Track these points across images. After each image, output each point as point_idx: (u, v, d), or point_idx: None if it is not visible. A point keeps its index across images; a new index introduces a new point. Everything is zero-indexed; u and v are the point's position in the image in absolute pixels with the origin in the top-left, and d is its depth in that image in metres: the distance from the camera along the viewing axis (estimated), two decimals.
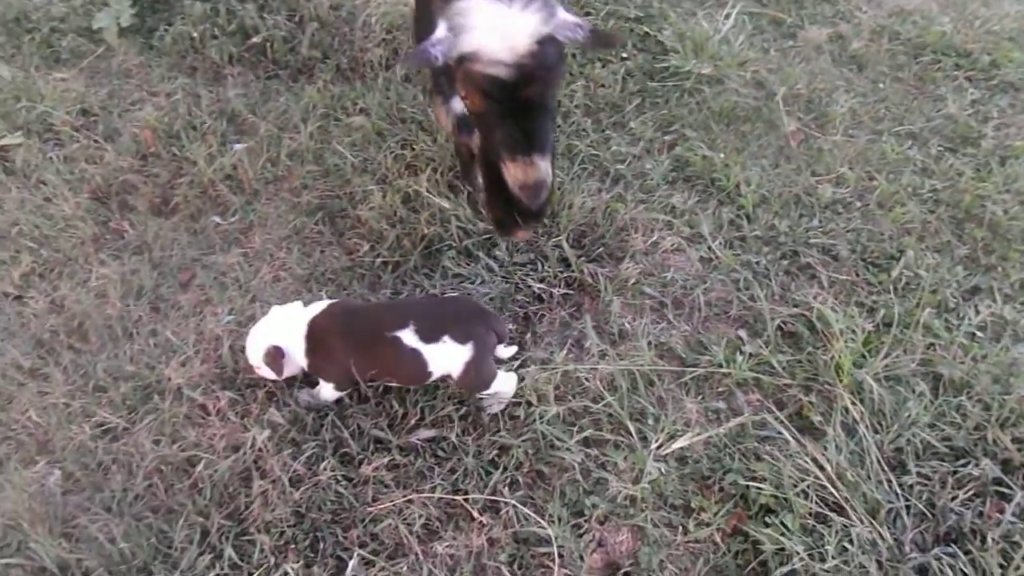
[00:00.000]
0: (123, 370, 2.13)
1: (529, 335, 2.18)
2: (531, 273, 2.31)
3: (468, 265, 2.31)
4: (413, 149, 2.68)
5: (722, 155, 2.65)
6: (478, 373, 1.90)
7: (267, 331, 1.97)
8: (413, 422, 1.98)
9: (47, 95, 2.93)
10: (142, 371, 2.12)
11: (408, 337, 1.86)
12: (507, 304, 2.24)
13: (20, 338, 2.24)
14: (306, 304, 2.03)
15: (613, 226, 2.42)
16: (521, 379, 2.01)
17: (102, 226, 2.54)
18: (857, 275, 2.32)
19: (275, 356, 1.92)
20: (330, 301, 2.05)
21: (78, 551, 1.76)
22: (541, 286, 2.27)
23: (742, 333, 2.19)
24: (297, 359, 1.97)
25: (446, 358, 1.88)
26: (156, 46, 3.20)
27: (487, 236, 2.38)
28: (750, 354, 2.10)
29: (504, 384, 1.96)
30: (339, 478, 1.88)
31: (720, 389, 2.06)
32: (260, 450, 1.92)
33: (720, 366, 2.08)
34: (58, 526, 1.82)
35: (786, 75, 2.98)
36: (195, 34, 3.14)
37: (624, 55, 3.11)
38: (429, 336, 1.86)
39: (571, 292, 2.27)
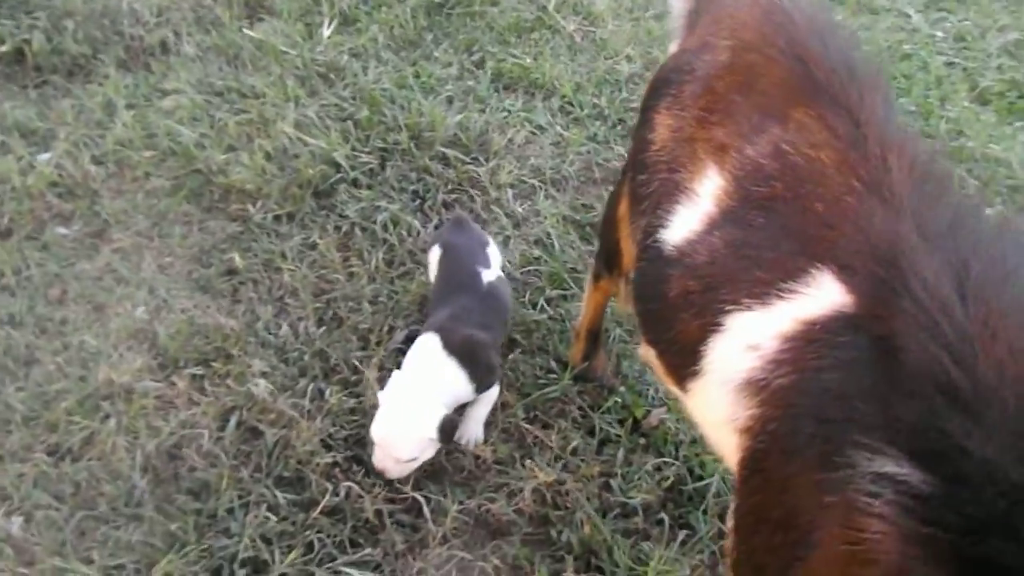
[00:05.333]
0: (48, 392, 1.91)
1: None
2: (422, 187, 2.46)
3: (368, 191, 2.39)
4: (248, 112, 2.64)
5: (528, 60, 2.98)
6: None
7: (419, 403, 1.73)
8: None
9: None
10: (73, 386, 1.92)
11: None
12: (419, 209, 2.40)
13: None
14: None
15: (467, 133, 2.64)
16: None
17: None
18: None
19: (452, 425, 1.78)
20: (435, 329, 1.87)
21: (120, 556, 1.61)
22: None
23: (612, 187, 2.55)
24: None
25: None
26: None
27: (369, 168, 2.47)
28: None
29: None
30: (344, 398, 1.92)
31: None
32: (256, 404, 1.88)
33: None
34: (72, 554, 1.64)
35: None
36: None
37: None
38: None
39: (462, 187, 2.47)
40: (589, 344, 2.04)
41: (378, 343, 2.04)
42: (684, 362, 1.27)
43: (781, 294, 1.11)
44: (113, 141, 2.52)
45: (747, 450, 1.14)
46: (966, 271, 0.96)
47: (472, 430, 1.90)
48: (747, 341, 1.14)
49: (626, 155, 1.77)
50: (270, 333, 2.06)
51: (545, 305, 2.18)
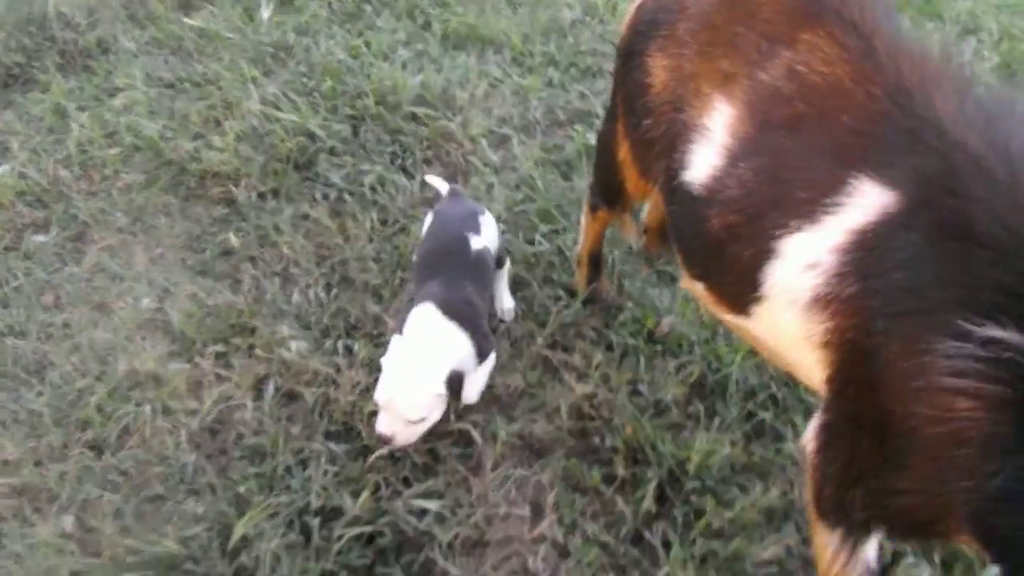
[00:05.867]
0: (70, 392, 1.89)
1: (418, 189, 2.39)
2: (399, 147, 2.51)
3: (348, 158, 2.42)
4: (207, 99, 2.62)
5: (472, 17, 3.04)
6: None
7: (426, 361, 1.68)
8: None
9: None
10: (96, 381, 1.91)
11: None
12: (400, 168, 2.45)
13: None
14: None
15: (430, 92, 2.68)
16: None
17: None
18: None
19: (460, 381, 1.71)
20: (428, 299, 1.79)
21: (192, 527, 1.63)
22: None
23: (579, 127, 2.65)
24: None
25: None
26: None
27: (343, 136, 2.50)
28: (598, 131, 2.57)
29: None
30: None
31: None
32: (290, 368, 1.92)
33: (587, 147, 2.52)
34: (141, 535, 1.65)
35: None
36: None
37: None
38: None
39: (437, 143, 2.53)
40: (591, 269, 2.14)
41: (393, 296, 2.09)
42: (742, 291, 1.30)
43: (827, 209, 1.14)
44: (74, 144, 2.47)
45: (833, 364, 1.18)
46: (1008, 148, 1.01)
47: (472, 389, 1.80)
48: (805, 261, 1.17)
49: (612, 102, 1.75)
50: (282, 304, 2.09)
51: (541, 239, 2.27)
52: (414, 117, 2.58)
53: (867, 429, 1.15)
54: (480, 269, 1.92)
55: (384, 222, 2.29)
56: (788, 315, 1.22)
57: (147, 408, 1.85)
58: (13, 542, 1.66)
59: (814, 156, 1.20)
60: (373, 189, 2.35)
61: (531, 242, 2.28)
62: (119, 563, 1.60)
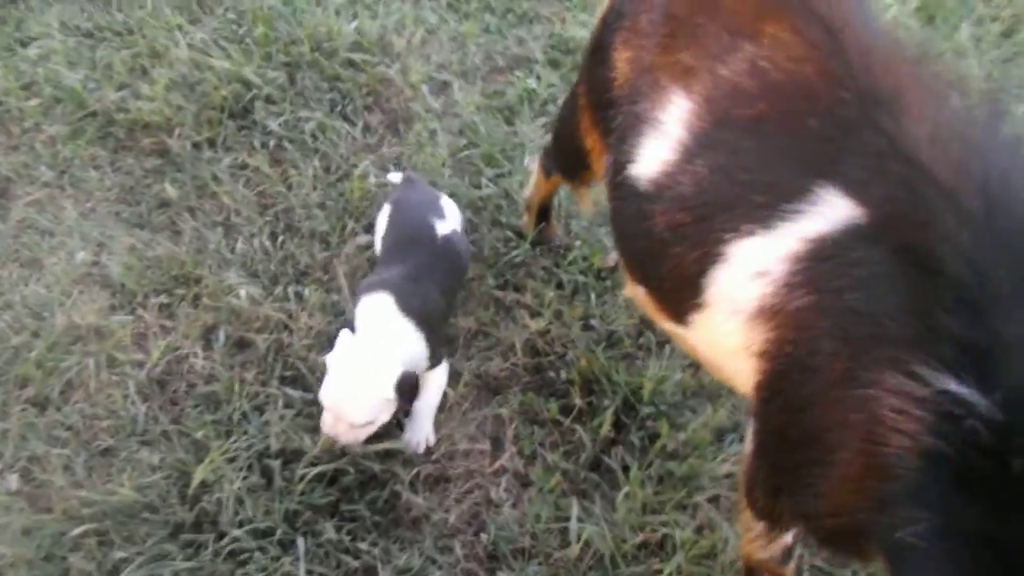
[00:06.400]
0: (3, 349, 1.82)
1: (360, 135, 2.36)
2: (338, 94, 2.45)
3: (286, 105, 2.36)
4: (131, 48, 2.50)
5: None
6: None
7: (376, 360, 1.59)
8: None
9: None
10: (33, 337, 1.83)
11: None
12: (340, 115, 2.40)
13: None
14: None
15: (366, 38, 2.63)
16: None
17: None
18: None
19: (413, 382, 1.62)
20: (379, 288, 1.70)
21: (149, 475, 1.60)
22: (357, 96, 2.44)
23: (519, 73, 2.64)
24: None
25: None
26: None
27: (279, 83, 2.42)
28: (538, 76, 2.58)
29: None
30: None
31: (539, 106, 2.51)
32: (239, 315, 1.88)
33: (528, 91, 2.52)
34: (95, 487, 1.60)
35: None
36: None
37: None
38: None
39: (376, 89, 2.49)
40: (539, 215, 2.15)
41: (341, 242, 2.06)
42: (682, 296, 1.24)
43: (785, 215, 1.06)
44: None
45: (765, 373, 1.12)
46: (986, 173, 0.93)
47: (421, 429, 1.74)
48: (753, 268, 1.11)
49: (583, 90, 1.65)
50: (227, 253, 2.04)
51: (488, 183, 2.27)
52: (351, 64, 2.52)
53: (790, 444, 1.12)
54: (449, 256, 1.84)
55: (327, 169, 2.25)
56: (730, 324, 1.17)
57: (90, 362, 1.79)
58: None
59: (777, 161, 1.12)
60: (314, 136, 2.30)
61: (477, 186, 2.28)
62: (73, 516, 1.56)
